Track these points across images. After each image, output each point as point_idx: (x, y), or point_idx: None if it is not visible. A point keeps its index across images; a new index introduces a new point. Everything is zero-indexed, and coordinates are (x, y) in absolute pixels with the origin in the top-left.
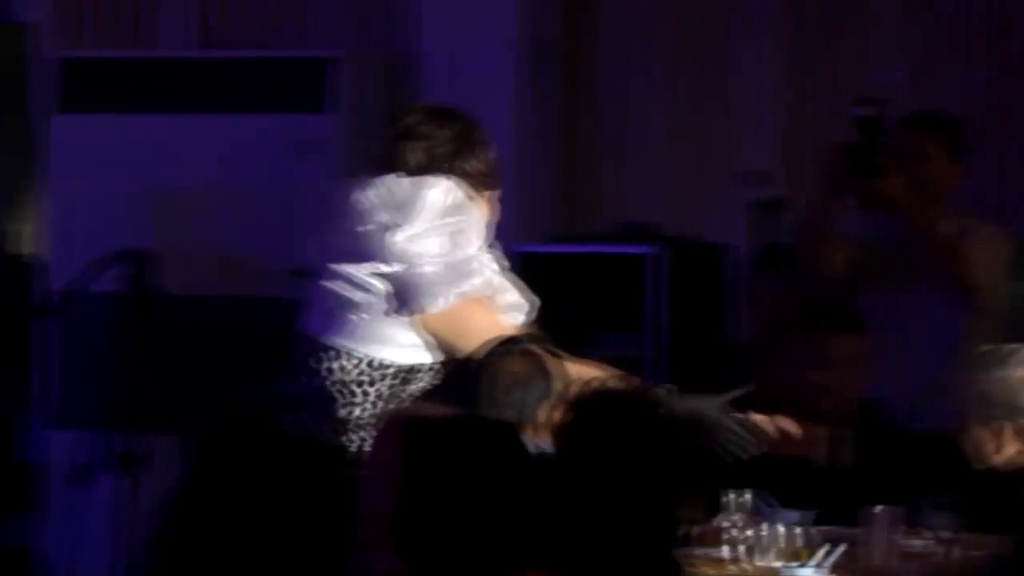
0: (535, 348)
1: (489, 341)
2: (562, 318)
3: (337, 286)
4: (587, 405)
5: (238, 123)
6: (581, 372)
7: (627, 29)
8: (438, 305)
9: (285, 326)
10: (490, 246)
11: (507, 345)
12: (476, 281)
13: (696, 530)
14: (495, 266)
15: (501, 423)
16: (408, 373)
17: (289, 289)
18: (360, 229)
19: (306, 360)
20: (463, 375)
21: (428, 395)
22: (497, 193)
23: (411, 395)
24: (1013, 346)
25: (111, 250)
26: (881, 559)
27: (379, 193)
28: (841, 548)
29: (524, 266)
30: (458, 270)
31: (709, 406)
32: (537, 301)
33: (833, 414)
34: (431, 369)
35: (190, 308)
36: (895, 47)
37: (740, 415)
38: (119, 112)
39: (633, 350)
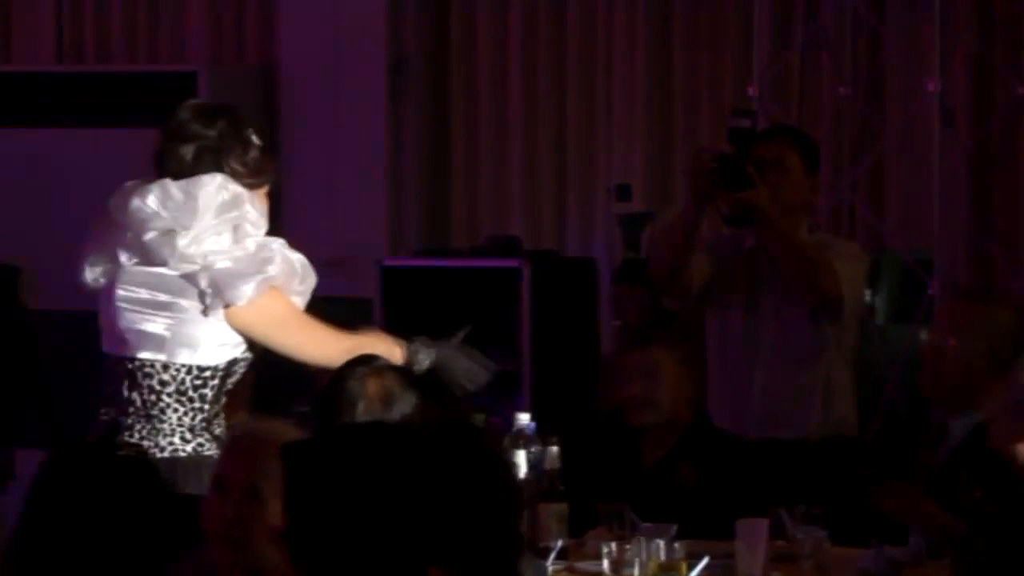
0: (395, 363)
1: (349, 362)
2: (429, 331)
3: (133, 298)
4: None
5: (104, 137)
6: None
7: (488, 42)
8: (245, 295)
9: None
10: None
11: (368, 362)
12: (273, 268)
13: (571, 543)
14: (288, 248)
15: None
16: (228, 369)
17: None
18: (145, 237)
19: (126, 378)
20: (332, 396)
21: (301, 420)
22: (265, 189)
23: (235, 383)
24: None
25: None
26: (757, 570)
27: (156, 198)
28: (705, 560)
29: (391, 280)
30: (254, 259)
31: (444, 348)
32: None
33: (657, 425)
34: (245, 361)
35: (57, 323)
36: (764, 64)
37: (470, 348)
38: None
39: (504, 363)
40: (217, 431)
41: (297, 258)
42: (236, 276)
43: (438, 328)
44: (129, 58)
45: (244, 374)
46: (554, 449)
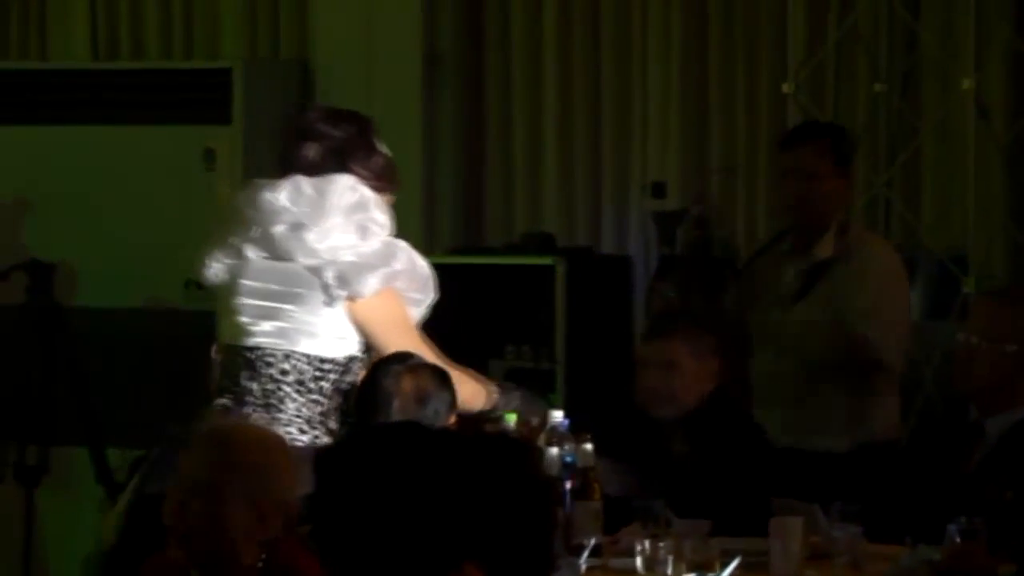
0: (431, 361)
1: (385, 359)
2: (466, 329)
3: (259, 290)
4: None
5: (139, 134)
6: (461, 383)
7: (523, 37)
8: (370, 286)
9: (185, 337)
10: None
11: (404, 360)
12: (398, 264)
13: (606, 540)
14: (416, 255)
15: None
16: (346, 365)
17: (190, 300)
18: (273, 230)
19: (245, 368)
20: (367, 393)
21: (344, 419)
22: (389, 198)
23: (350, 384)
24: None
25: (12, 261)
26: (792, 568)
27: (287, 193)
28: (738, 559)
29: None
30: (379, 255)
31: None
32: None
33: (669, 416)
34: (362, 362)
35: (91, 319)
36: (798, 61)
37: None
38: (17, 124)
39: (538, 361)
40: (333, 427)
41: (421, 265)
42: (362, 268)
43: (472, 325)
44: (164, 55)
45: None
46: (588, 446)
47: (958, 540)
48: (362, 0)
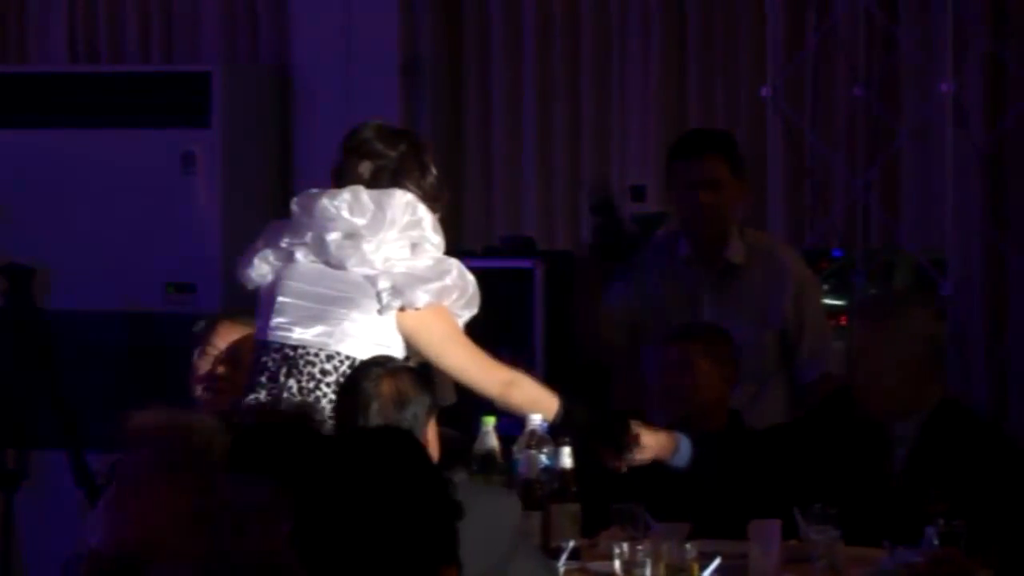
0: (412, 364)
1: (365, 362)
2: None
3: (307, 290)
4: None
5: (118, 138)
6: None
7: (502, 42)
8: (423, 299)
9: (164, 340)
10: None
11: (384, 363)
12: (450, 280)
13: (585, 543)
14: (467, 272)
15: (402, 432)
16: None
17: (169, 304)
18: (328, 236)
19: (285, 365)
20: (347, 396)
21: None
22: (439, 215)
23: None
24: None
25: None
26: (771, 571)
27: (346, 202)
28: (716, 561)
29: None
30: (432, 270)
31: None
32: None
33: (685, 420)
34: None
35: (69, 323)
36: (777, 64)
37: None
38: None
39: (517, 364)
40: None
41: (471, 280)
42: (416, 280)
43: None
44: (142, 58)
45: None
46: (566, 449)
47: (936, 543)
48: (341, 5)
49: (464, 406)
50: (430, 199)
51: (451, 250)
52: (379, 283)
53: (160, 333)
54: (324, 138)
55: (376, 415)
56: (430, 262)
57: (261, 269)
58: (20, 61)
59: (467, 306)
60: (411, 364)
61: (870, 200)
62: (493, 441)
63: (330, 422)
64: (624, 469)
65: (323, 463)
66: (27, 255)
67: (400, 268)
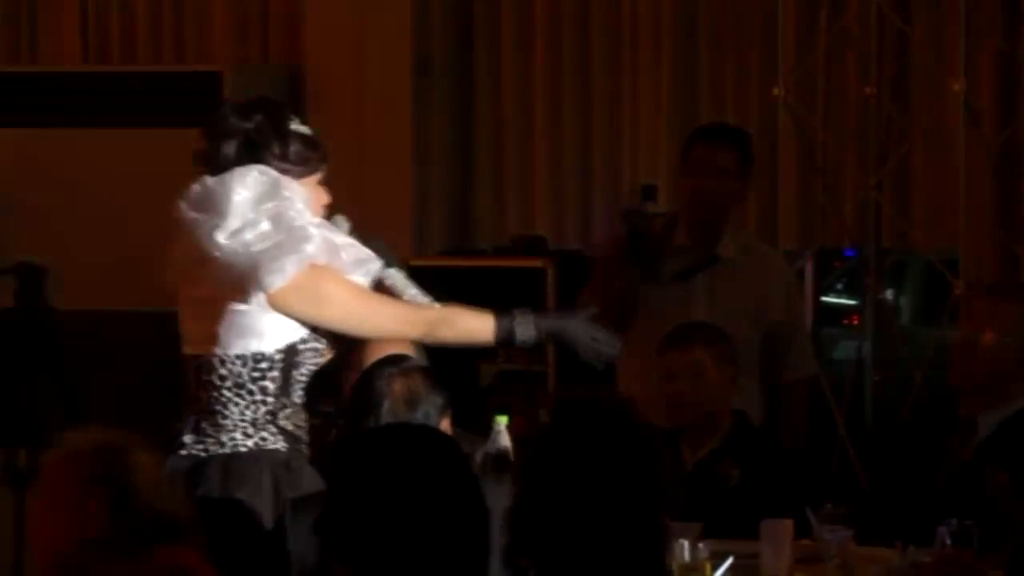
0: (424, 363)
1: (379, 361)
2: None
3: (189, 298)
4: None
5: (130, 138)
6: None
7: (512, 42)
8: (282, 277)
9: (175, 340)
10: (335, 225)
11: (397, 362)
12: (310, 246)
13: None
14: (331, 230)
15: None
16: (288, 359)
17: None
18: (193, 234)
19: (192, 377)
20: (360, 395)
21: (327, 420)
22: (315, 177)
23: (307, 375)
24: None
25: (1, 265)
26: (782, 571)
27: (195, 195)
28: (729, 561)
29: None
30: (287, 243)
31: (566, 319)
32: (393, 256)
33: (696, 425)
34: (313, 352)
35: (83, 322)
36: (789, 64)
37: (596, 327)
38: (9, 127)
39: (530, 363)
40: (286, 425)
41: (342, 239)
42: (270, 259)
43: None
44: (154, 58)
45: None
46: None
47: (948, 542)
48: (353, 5)
49: (476, 405)
50: (300, 163)
51: (463, 249)
52: (238, 271)
53: (171, 332)
54: (336, 139)
55: (387, 414)
56: (287, 233)
57: (172, 275)
58: (33, 61)
59: (350, 260)
60: (424, 364)
61: (882, 200)
62: (506, 440)
63: (240, 427)
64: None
65: (360, 460)
66: (39, 254)
67: (257, 247)
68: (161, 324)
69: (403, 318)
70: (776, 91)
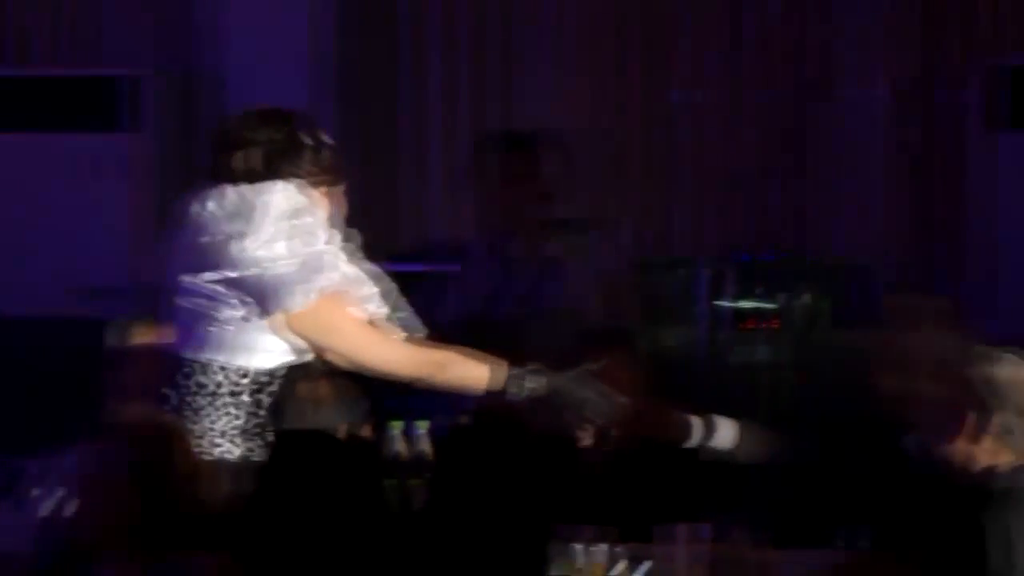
0: (328, 372)
1: (298, 367)
2: None
3: (190, 300)
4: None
5: (33, 142)
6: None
7: (428, 44)
8: (299, 303)
9: (75, 345)
10: (348, 239)
11: (304, 368)
12: (333, 275)
13: None
14: (347, 260)
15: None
16: (270, 378)
17: (84, 309)
18: (206, 241)
19: (167, 376)
20: (282, 398)
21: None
22: (341, 187)
23: (278, 398)
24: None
25: None
26: (698, 574)
27: (220, 204)
28: (646, 565)
29: None
30: (311, 267)
31: (564, 378)
32: (395, 288)
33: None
34: (289, 370)
35: None
36: (696, 69)
37: (595, 383)
38: None
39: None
40: (255, 441)
41: (353, 271)
42: (286, 283)
43: None
44: (50, 62)
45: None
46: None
47: (857, 545)
48: (254, 8)
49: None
50: (317, 175)
51: (385, 254)
52: (250, 288)
53: (71, 338)
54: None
55: (292, 418)
56: (307, 257)
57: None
58: None
59: (358, 294)
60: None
61: (800, 205)
62: (401, 445)
63: (207, 436)
64: (595, 447)
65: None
66: None
67: (273, 268)
68: (60, 330)
69: (407, 357)
70: (674, 97)
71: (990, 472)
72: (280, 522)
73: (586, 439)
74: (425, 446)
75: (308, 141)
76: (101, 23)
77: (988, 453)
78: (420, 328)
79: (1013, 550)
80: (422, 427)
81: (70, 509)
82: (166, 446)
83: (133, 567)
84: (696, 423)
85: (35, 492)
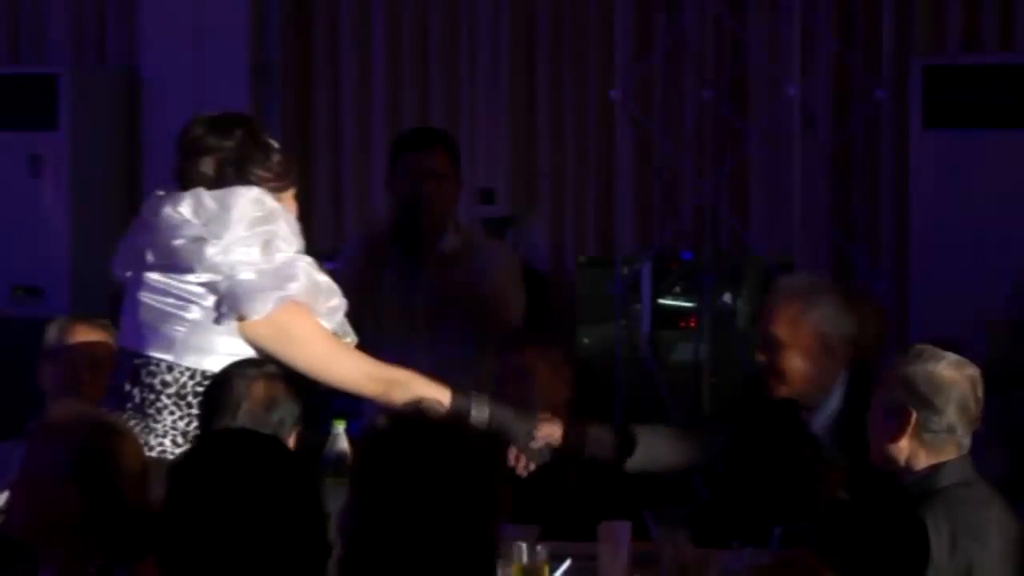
0: (281, 372)
1: (238, 361)
2: None
3: (153, 299)
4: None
5: None
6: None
7: (352, 46)
8: (260, 311)
9: (10, 344)
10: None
11: (262, 366)
12: (295, 285)
13: None
14: (316, 269)
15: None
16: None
17: (16, 306)
18: (174, 242)
19: (130, 374)
20: (217, 392)
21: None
22: (293, 191)
23: None
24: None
25: None
26: (620, 572)
27: (189, 206)
28: (567, 563)
29: None
30: (277, 275)
31: (515, 422)
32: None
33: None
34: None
35: None
36: (626, 66)
37: (531, 427)
38: None
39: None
40: None
41: (324, 280)
42: (255, 290)
43: None
44: None
45: None
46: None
47: (783, 543)
48: (191, 7)
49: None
50: (280, 178)
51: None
52: (219, 292)
53: (6, 336)
54: (172, 142)
55: (244, 415)
56: (278, 264)
57: (123, 267)
58: None
59: (326, 306)
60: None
61: (719, 202)
62: (344, 444)
63: (170, 435)
64: (525, 470)
65: (196, 465)
66: None
67: (245, 273)
68: None
69: (366, 373)
70: (613, 93)
71: (933, 470)
72: (202, 525)
73: (518, 462)
74: (343, 445)
75: (260, 146)
76: (42, 20)
77: (930, 451)
78: (352, 334)
79: (956, 549)
80: (340, 426)
81: (9, 507)
82: (106, 444)
83: (76, 566)
84: (608, 438)
85: None
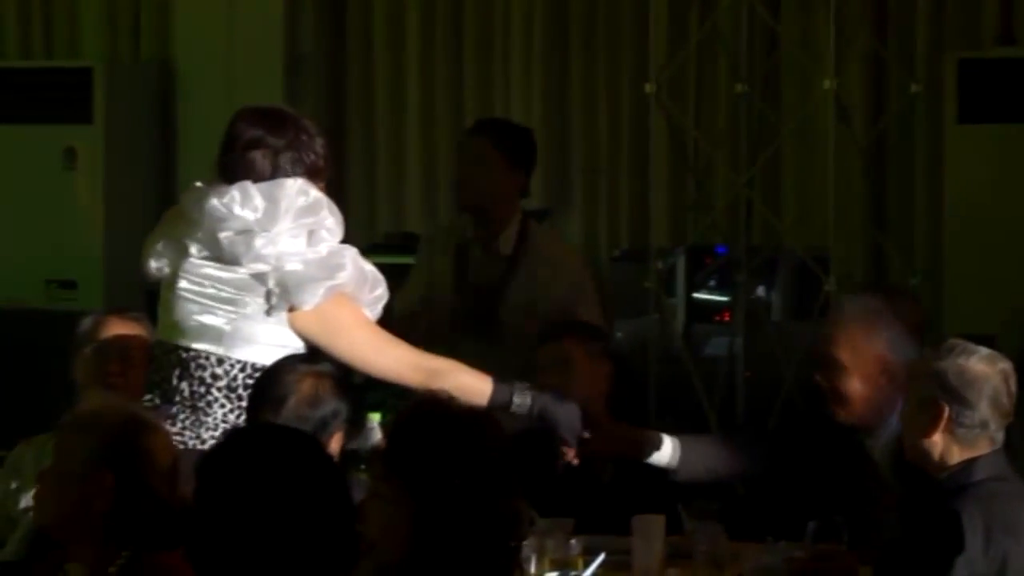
0: (332, 371)
1: (291, 355)
2: None
3: (198, 292)
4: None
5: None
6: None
7: (385, 40)
8: (311, 301)
9: (45, 337)
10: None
11: (313, 363)
12: (343, 274)
13: None
14: (361, 258)
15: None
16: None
17: (50, 300)
18: (221, 235)
19: (178, 367)
20: (266, 384)
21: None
22: (322, 184)
23: None
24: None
25: None
26: (654, 566)
27: (235, 198)
28: (601, 557)
29: None
30: (325, 265)
31: (560, 407)
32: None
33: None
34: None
35: None
36: (660, 62)
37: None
38: None
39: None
40: None
41: (370, 269)
42: (305, 280)
43: None
44: (24, 54)
45: None
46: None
47: (817, 538)
48: (224, 1)
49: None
50: (318, 173)
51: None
52: (268, 283)
53: (41, 330)
54: (207, 134)
55: (289, 410)
56: (324, 253)
57: (160, 262)
58: None
59: (371, 295)
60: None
61: (753, 197)
62: (378, 436)
63: (221, 427)
64: (574, 460)
65: (225, 459)
66: None
67: (292, 265)
68: (30, 321)
69: (409, 363)
70: (648, 88)
71: (966, 465)
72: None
73: (568, 455)
74: (378, 438)
75: (308, 139)
76: (77, 14)
77: (963, 446)
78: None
79: (991, 543)
80: (375, 419)
81: (40, 499)
82: (137, 437)
83: (105, 558)
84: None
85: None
